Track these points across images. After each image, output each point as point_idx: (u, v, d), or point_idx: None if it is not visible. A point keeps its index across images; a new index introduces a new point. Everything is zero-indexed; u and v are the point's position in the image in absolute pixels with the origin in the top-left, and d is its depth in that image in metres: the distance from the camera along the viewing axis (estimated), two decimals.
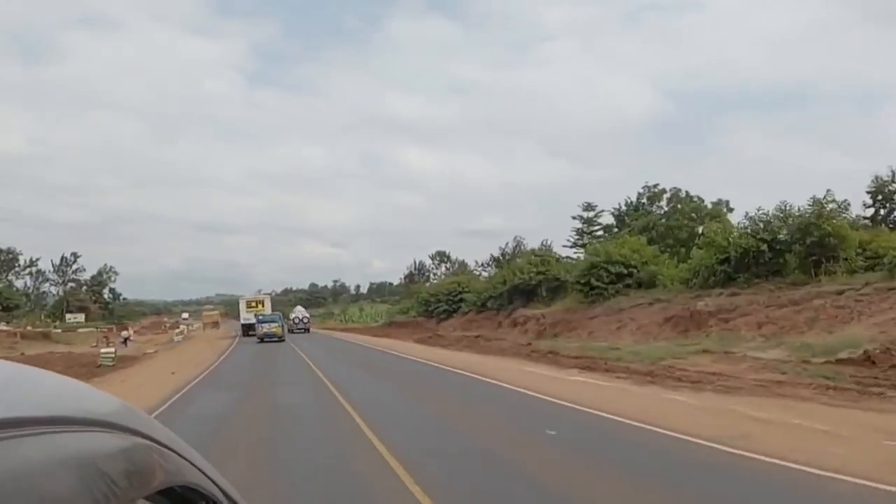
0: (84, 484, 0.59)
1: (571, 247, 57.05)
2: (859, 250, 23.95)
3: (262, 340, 43.92)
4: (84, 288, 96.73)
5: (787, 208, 25.81)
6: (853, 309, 20.03)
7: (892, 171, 34.35)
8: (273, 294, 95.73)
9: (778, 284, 24.64)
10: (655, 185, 55.43)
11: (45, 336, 52.19)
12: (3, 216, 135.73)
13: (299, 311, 61.62)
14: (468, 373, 17.32)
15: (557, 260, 45.23)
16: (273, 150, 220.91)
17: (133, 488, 0.67)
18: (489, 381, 15.15)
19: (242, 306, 58.36)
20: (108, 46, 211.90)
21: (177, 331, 57.52)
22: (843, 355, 14.73)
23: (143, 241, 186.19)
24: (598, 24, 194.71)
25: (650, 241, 38.25)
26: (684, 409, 10.09)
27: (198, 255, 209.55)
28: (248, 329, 53.30)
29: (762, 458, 6.90)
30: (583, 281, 33.89)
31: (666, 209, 54.16)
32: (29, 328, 54.70)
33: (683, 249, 40.34)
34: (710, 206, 52.32)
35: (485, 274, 69.07)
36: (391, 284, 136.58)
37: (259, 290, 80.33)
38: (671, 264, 32.44)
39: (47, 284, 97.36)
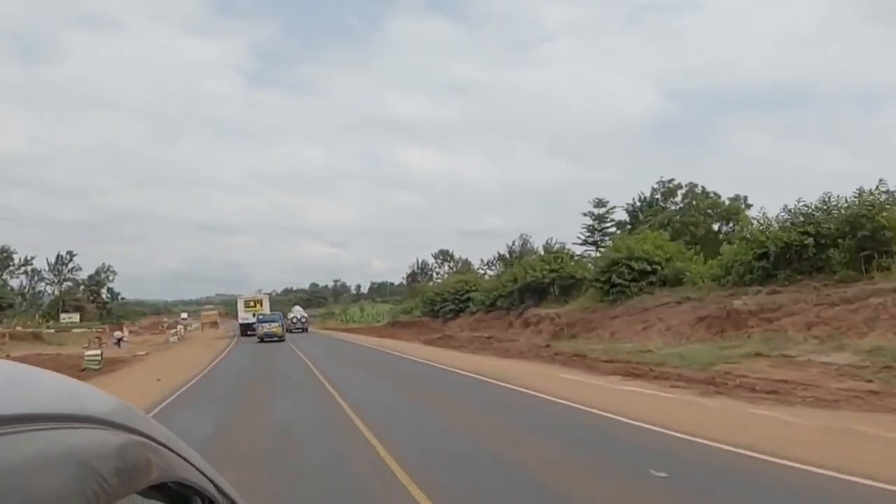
0: (77, 479, 0.60)
1: (582, 244, 55.18)
2: None
3: (262, 340, 43.01)
4: (81, 287, 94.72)
5: (830, 200, 23.79)
6: None
7: None
8: (273, 294, 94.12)
9: (823, 282, 22.58)
10: (670, 181, 53.46)
11: (36, 337, 50.04)
12: (2, 215, 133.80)
13: (297, 311, 61.87)
14: (495, 381, 15.04)
15: (571, 257, 43.15)
16: (273, 150, 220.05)
17: (126, 483, 0.68)
18: (525, 391, 12.92)
19: (241, 306, 57.45)
20: (108, 46, 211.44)
21: (172, 331, 55.45)
22: None
23: (143, 241, 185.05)
24: (599, 24, 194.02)
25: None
26: (800, 432, 8.03)
27: (198, 255, 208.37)
28: (246, 329, 52.56)
29: None
30: (602, 278, 31.83)
31: (681, 205, 52.22)
32: (19, 328, 52.52)
33: (697, 245, 38.22)
34: (727, 202, 50.42)
35: (490, 273, 67.22)
36: (392, 284, 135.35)
37: (259, 290, 78.99)
38: (699, 260, 30.34)
39: (43, 284, 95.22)
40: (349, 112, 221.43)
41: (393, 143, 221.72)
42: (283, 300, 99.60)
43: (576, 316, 33.62)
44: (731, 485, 6.08)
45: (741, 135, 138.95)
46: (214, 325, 75.91)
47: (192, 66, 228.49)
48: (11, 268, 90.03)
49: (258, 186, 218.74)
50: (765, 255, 24.05)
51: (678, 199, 53.16)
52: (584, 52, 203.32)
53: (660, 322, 26.39)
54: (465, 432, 9.39)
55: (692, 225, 46.98)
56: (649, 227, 39.65)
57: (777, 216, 24.99)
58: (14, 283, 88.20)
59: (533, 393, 12.63)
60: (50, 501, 0.55)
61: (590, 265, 40.50)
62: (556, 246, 48.87)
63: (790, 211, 24.87)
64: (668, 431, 8.19)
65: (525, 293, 41.59)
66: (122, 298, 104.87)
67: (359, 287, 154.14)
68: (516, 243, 69.84)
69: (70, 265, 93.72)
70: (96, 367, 23.54)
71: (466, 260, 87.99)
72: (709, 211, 50.65)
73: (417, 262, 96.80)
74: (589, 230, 55.66)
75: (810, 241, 22.68)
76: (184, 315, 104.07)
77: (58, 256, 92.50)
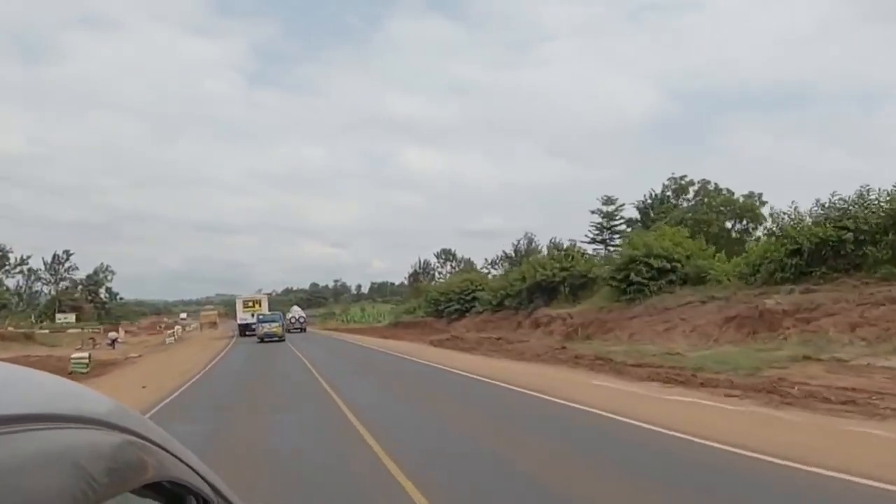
0: (70, 478, 0.61)
1: (590, 242, 53.67)
2: None
3: (262, 340, 41.89)
4: (80, 287, 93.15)
5: (868, 194, 22.28)
6: None
7: None
8: (273, 294, 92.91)
9: (863, 280, 21.07)
10: (682, 177, 51.98)
11: (28, 337, 48.50)
12: (2, 213, 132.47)
13: (296, 311, 62.08)
14: (524, 389, 13.33)
15: (582, 255, 41.61)
16: (273, 150, 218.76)
17: (118, 483, 0.68)
18: (564, 402, 11.18)
19: (239, 306, 56.46)
20: (108, 46, 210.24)
21: (168, 332, 53.94)
22: None
23: (143, 241, 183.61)
24: (598, 24, 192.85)
25: None
26: None
27: (198, 255, 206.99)
28: (244, 329, 51.56)
29: None
30: (619, 277, 30.28)
31: (693, 202, 50.74)
32: (10, 329, 50.94)
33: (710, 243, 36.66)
34: (741, 199, 48.91)
35: (494, 272, 65.77)
36: (393, 284, 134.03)
37: (259, 290, 78.02)
38: (721, 258, 28.81)
39: (40, 283, 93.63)
40: (349, 112, 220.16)
41: (393, 143, 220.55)
42: (283, 300, 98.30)
43: (590, 316, 32.10)
44: None
45: (741, 135, 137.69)
46: (213, 325, 75.63)
47: (192, 66, 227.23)
48: (7, 267, 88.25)
49: (258, 186, 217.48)
50: (798, 252, 22.54)
51: (690, 196, 51.79)
52: (584, 52, 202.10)
53: (683, 322, 24.88)
54: (514, 460, 7.51)
55: (705, 223, 45.42)
56: (666, 223, 38.02)
57: (810, 210, 23.47)
58: (11, 282, 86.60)
59: (573, 405, 10.92)
60: (38, 502, 0.56)
61: (603, 264, 38.93)
62: (566, 244, 47.17)
63: (823, 206, 23.38)
64: (772, 459, 6.55)
65: (534, 292, 40.07)
66: (121, 298, 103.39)
67: (359, 287, 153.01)
68: (522, 242, 68.33)
69: (67, 264, 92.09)
70: (83, 371, 22.02)
71: (469, 259, 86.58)
72: (721, 208, 49.22)
73: (419, 262, 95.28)
74: (597, 228, 54.25)
75: (849, 236, 21.16)
76: (183, 315, 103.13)
77: (54, 256, 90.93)
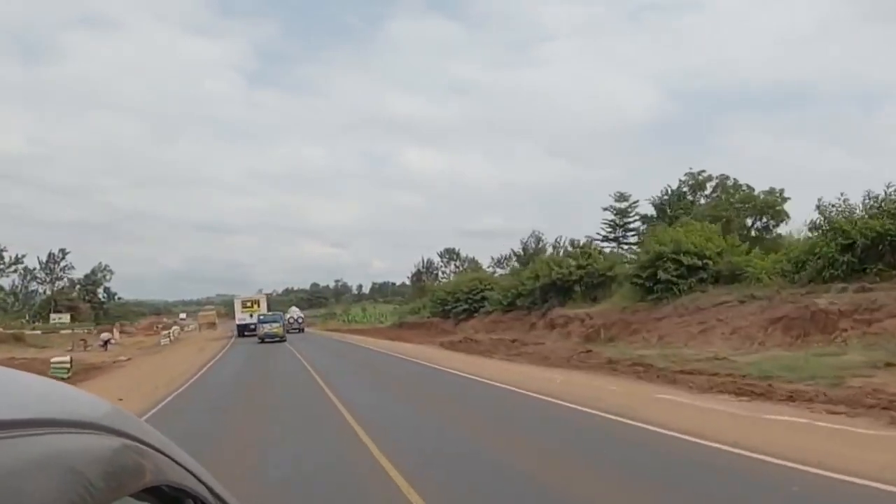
0: (68, 484, 0.60)
1: (602, 240, 51.63)
2: None
3: (262, 340, 40.47)
4: (77, 287, 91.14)
5: None
6: None
7: None
8: (274, 294, 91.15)
9: None
10: (700, 172, 49.84)
11: (18, 339, 46.48)
12: (2, 213, 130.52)
13: (294, 312, 62.63)
14: (581, 407, 10.71)
15: (600, 252, 39.59)
16: (273, 150, 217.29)
17: (116, 487, 0.68)
18: (646, 426, 8.79)
19: (238, 306, 55.05)
20: (108, 46, 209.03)
21: (164, 333, 51.93)
22: None
23: (143, 241, 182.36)
24: (599, 24, 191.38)
25: None
26: None
27: (198, 255, 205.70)
28: (243, 329, 50.23)
29: None
30: (644, 275, 28.22)
31: (711, 198, 48.71)
32: (0, 329, 48.93)
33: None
34: (761, 195, 46.89)
35: (500, 271, 63.79)
36: (394, 284, 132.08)
37: (259, 290, 76.33)
38: (757, 254, 26.76)
39: (35, 283, 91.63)
40: (349, 112, 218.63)
41: (393, 143, 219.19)
42: (283, 300, 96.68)
43: (611, 316, 30.08)
44: None
45: (741, 135, 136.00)
46: (212, 325, 74.88)
47: (193, 66, 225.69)
48: (2, 266, 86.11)
49: (258, 186, 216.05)
50: (850, 248, 20.51)
51: (707, 192, 49.80)
52: (584, 52, 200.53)
53: (721, 324, 22.83)
54: None
55: (725, 219, 43.37)
56: (692, 218, 35.98)
57: (862, 203, 21.47)
58: (6, 282, 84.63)
59: (663, 431, 8.51)
60: None
61: (625, 262, 36.90)
62: (583, 241, 45.09)
63: (876, 198, 21.37)
64: None
65: (548, 292, 38.04)
66: (119, 298, 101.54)
67: (360, 287, 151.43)
68: (530, 241, 66.24)
69: (62, 263, 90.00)
70: (64, 377, 19.93)
71: (473, 258, 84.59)
72: (738, 205, 47.23)
73: (423, 261, 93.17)
74: (610, 226, 52.20)
75: None
76: (182, 315, 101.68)
77: (49, 255, 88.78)
